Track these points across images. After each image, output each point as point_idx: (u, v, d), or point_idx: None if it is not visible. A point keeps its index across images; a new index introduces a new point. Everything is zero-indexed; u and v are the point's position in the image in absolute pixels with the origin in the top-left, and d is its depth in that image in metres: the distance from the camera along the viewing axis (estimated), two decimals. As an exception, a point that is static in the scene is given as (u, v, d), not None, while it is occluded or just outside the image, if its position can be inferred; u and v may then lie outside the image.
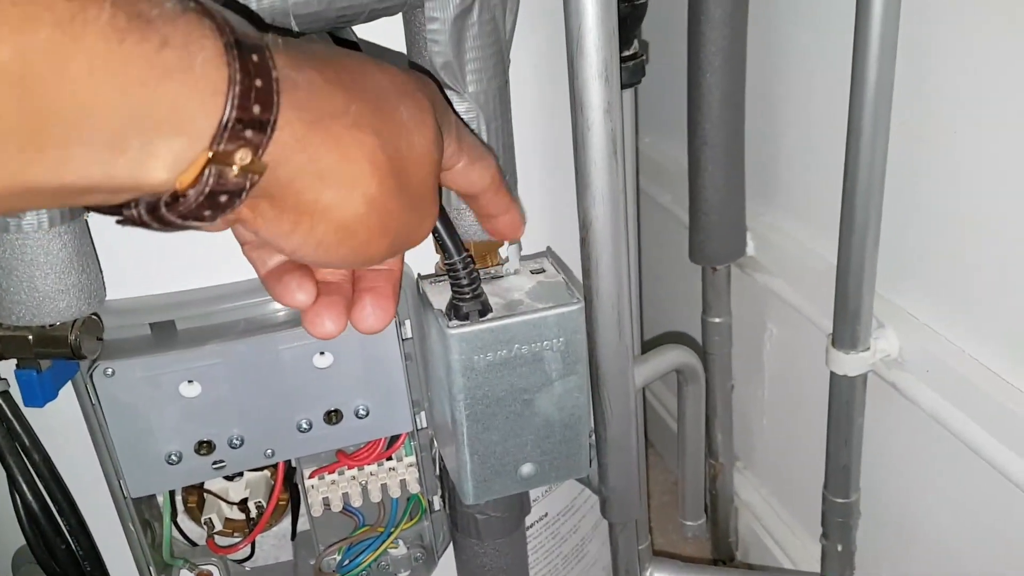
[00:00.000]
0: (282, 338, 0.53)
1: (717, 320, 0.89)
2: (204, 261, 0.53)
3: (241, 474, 0.62)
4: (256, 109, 0.25)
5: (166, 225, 0.26)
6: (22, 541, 0.58)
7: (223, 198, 0.26)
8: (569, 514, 0.73)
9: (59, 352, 0.45)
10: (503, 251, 0.51)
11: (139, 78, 0.22)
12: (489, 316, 0.46)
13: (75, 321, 0.45)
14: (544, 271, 0.49)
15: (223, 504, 0.61)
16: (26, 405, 0.48)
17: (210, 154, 0.25)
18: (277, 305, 0.53)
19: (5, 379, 0.52)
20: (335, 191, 0.29)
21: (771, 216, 0.85)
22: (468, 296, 0.45)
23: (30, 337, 0.45)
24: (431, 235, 0.44)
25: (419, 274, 0.52)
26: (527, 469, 0.50)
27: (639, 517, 0.65)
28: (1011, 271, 0.59)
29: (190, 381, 0.52)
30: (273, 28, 0.35)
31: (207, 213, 0.26)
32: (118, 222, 0.27)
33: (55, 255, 0.42)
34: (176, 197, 0.25)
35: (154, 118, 0.23)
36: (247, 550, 0.63)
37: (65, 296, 0.44)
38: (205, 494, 0.60)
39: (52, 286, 0.43)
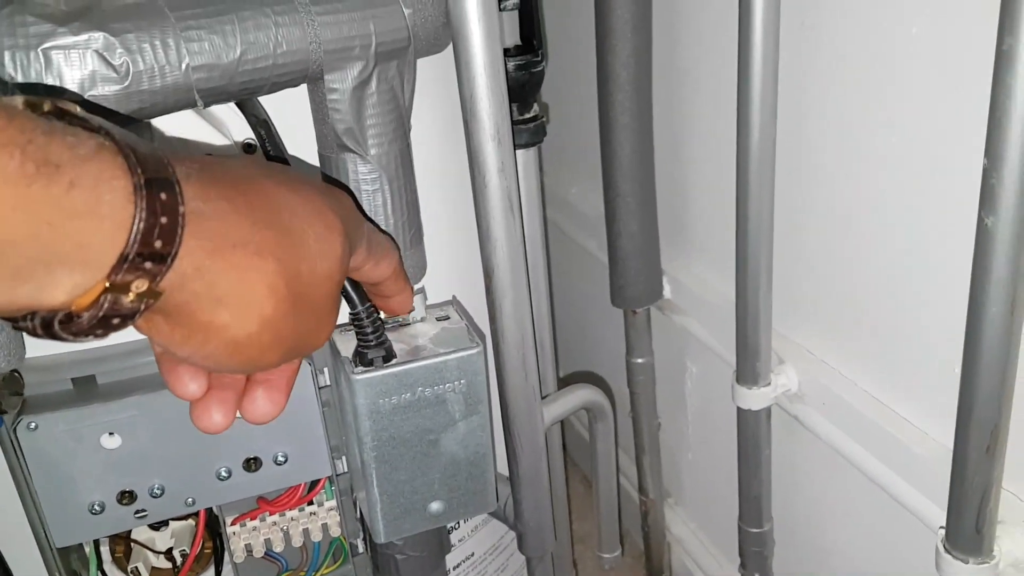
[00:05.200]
0: (202, 389, 0.55)
1: (640, 360, 0.93)
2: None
3: (167, 523, 0.63)
4: (158, 244, 0.27)
5: (58, 339, 0.28)
6: (-56, 598, 0.59)
7: (115, 320, 0.27)
8: (496, 553, 0.76)
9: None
10: (410, 300, 0.54)
11: (46, 219, 0.24)
12: (393, 361, 0.49)
13: (-9, 378, 0.47)
14: (449, 318, 0.53)
15: (149, 553, 0.62)
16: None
17: (107, 284, 0.26)
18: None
19: (-73, 436, 0.53)
20: (229, 313, 0.30)
21: (684, 261, 0.90)
22: (372, 343, 0.49)
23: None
24: None
25: (331, 324, 0.55)
26: (436, 506, 0.52)
27: (558, 551, 0.67)
28: (892, 308, 0.64)
29: (111, 433, 0.54)
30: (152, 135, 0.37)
31: (99, 332, 0.28)
32: (12, 327, 0.28)
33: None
34: (71, 317, 0.27)
35: (58, 253, 0.25)
36: (178, 600, 0.65)
37: (-17, 353, 0.46)
38: (132, 543, 0.62)
39: (-30, 344, 0.45)
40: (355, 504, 0.62)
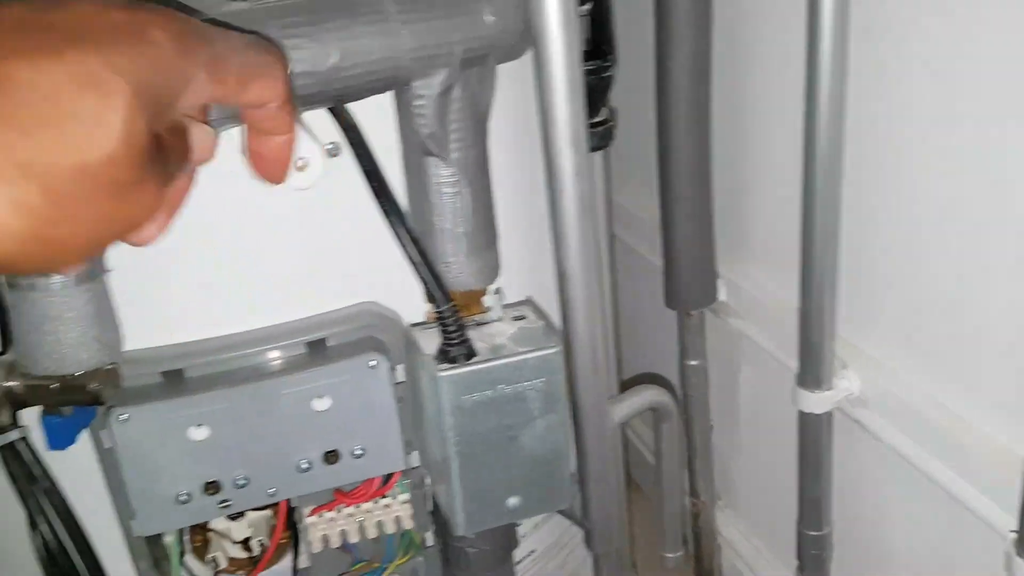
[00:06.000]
0: (283, 383, 0.57)
1: (694, 363, 0.94)
2: (210, 313, 0.58)
3: (243, 514, 0.65)
4: None
5: None
6: (37, 581, 0.61)
7: None
8: (557, 550, 0.77)
9: (80, 399, 0.49)
10: (486, 301, 0.55)
11: None
12: (475, 359, 0.51)
13: (96, 370, 0.49)
14: (525, 317, 0.54)
15: (227, 543, 0.64)
16: (50, 448, 0.52)
17: None
18: (277, 353, 0.58)
19: (24, 426, 0.56)
20: None
21: (741, 264, 0.90)
22: (456, 341, 0.50)
23: (55, 386, 0.49)
24: (422, 284, 0.49)
25: (409, 323, 0.56)
26: (513, 501, 0.54)
27: (622, 549, 0.68)
28: (959, 313, 0.64)
29: (198, 425, 0.56)
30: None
31: None
32: None
33: (80, 310, 0.47)
34: None
35: None
36: (253, 588, 0.67)
37: (87, 348, 0.48)
38: (210, 534, 0.64)
39: (76, 339, 0.47)
40: (426, 498, 0.64)
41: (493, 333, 0.53)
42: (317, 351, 0.59)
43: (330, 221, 0.58)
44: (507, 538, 0.64)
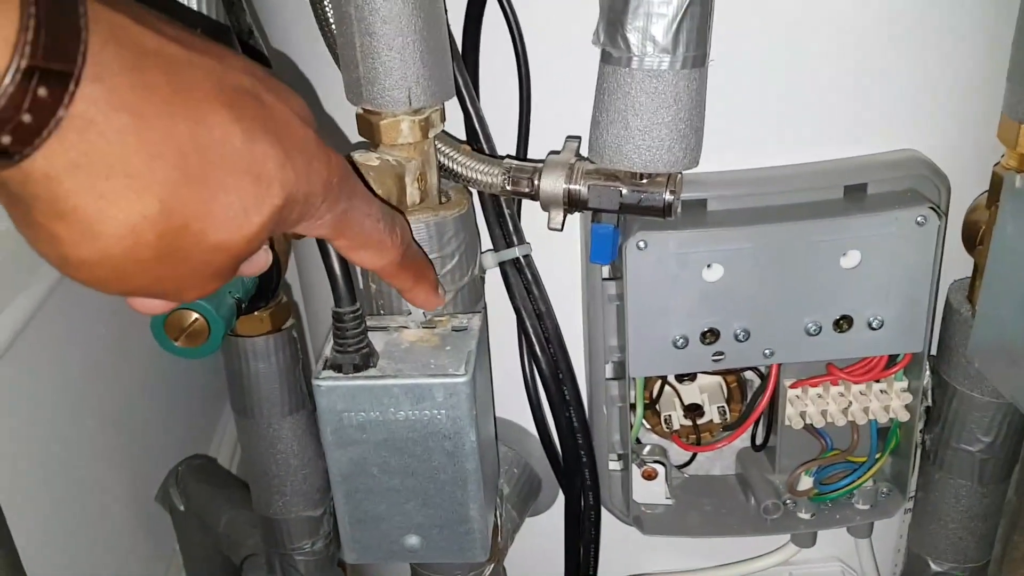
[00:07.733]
0: (814, 228, 0.49)
1: None
2: (740, 143, 0.50)
3: (694, 377, 0.59)
4: (4, 140, 0.22)
5: None
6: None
7: None
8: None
9: (647, 206, 0.43)
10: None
11: None
12: None
13: (672, 175, 0.43)
14: None
15: (678, 404, 0.59)
16: (592, 260, 0.47)
17: None
18: (807, 196, 0.50)
19: (528, 243, 0.52)
20: (67, 230, 0.25)
21: None
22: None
23: (624, 191, 0.43)
24: None
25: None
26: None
27: None
28: None
29: (709, 265, 0.50)
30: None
31: None
32: None
33: (686, 100, 0.40)
34: None
35: None
36: (687, 456, 0.61)
37: (680, 146, 0.41)
38: (665, 390, 0.59)
39: (675, 134, 0.41)
40: (925, 392, 0.55)
41: None
42: (854, 198, 0.50)
43: (883, 46, 0.48)
44: (1017, 449, 0.54)
